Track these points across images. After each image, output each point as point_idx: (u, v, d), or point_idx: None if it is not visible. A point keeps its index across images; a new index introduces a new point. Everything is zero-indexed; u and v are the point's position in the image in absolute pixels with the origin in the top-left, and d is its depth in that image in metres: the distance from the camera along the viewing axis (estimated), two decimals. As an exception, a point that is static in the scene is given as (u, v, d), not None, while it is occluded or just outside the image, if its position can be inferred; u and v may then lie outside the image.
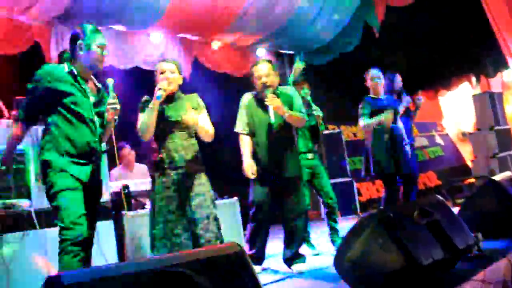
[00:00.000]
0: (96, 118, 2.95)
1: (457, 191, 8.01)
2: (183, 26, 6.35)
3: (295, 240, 3.80)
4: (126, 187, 4.22)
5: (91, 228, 2.91)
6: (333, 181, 6.57)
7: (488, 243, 3.10)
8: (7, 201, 3.72)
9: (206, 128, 3.31)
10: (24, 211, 3.74)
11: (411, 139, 5.56)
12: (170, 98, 3.32)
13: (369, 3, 6.55)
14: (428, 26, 7.23)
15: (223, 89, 7.17)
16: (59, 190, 2.76)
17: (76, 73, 2.88)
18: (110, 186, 4.42)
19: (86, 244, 2.79)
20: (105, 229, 3.99)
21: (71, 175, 2.80)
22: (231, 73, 7.65)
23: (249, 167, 3.67)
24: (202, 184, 3.29)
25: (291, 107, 3.74)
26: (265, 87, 3.67)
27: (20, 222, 3.77)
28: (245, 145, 3.80)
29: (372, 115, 4.80)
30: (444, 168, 9.55)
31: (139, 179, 5.01)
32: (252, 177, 3.69)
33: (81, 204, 2.78)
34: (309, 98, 4.60)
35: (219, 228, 3.27)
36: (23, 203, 3.76)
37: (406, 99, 5.61)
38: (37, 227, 3.74)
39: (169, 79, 3.27)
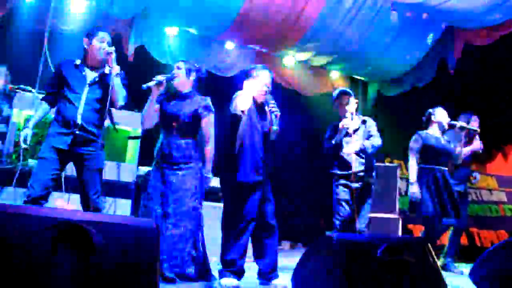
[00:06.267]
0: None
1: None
2: (252, 36, 6.54)
3: (270, 252, 3.59)
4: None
5: (88, 190, 3.44)
6: (378, 215, 6.37)
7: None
8: (29, 161, 4.20)
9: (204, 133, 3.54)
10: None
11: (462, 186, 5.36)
12: (173, 95, 3.57)
13: (448, 39, 6.25)
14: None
15: (292, 107, 7.21)
16: None
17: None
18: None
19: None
20: (124, 207, 4.31)
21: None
22: (300, 91, 7.69)
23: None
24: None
25: None
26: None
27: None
28: None
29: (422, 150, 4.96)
30: (521, 231, 8.61)
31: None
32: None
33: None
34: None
35: None
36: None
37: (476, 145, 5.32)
38: (63, 189, 4.13)
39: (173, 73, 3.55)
